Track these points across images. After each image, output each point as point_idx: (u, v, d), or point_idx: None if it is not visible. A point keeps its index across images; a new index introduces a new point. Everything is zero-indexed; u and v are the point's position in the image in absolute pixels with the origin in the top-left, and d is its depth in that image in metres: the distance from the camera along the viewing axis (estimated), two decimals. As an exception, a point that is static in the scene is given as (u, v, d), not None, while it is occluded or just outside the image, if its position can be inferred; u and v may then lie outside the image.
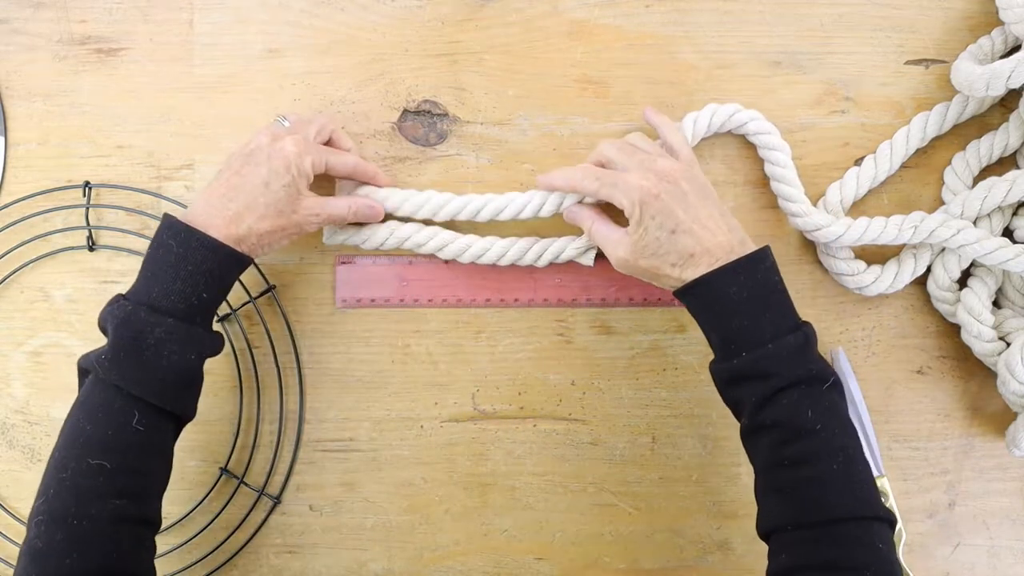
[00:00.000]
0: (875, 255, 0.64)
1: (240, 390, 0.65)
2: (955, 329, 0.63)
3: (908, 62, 0.64)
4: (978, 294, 0.60)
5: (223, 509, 0.64)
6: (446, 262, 0.64)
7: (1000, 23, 0.61)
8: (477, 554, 0.65)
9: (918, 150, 0.63)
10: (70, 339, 0.65)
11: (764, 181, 0.63)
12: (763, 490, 0.52)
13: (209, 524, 0.64)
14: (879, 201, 0.64)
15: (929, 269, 0.62)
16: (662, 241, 0.53)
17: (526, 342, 0.65)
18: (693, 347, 0.65)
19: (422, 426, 0.65)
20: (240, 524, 0.64)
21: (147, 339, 0.51)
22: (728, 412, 0.55)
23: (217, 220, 0.53)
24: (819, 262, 0.64)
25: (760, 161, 0.63)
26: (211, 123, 0.65)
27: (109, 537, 0.49)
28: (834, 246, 0.61)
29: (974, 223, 0.60)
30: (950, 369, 0.65)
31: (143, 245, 0.64)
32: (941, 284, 0.62)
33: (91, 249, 0.65)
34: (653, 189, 0.53)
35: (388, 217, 0.63)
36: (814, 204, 0.62)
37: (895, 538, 0.57)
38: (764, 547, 0.52)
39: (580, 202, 0.60)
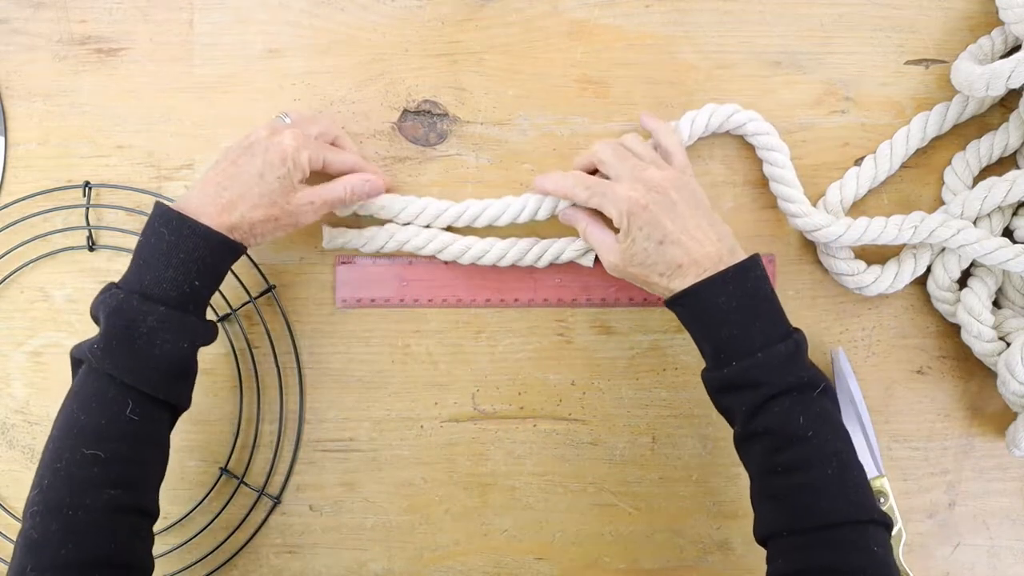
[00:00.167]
0: (875, 255, 0.64)
1: (240, 390, 0.65)
2: (955, 329, 0.63)
3: (908, 62, 0.64)
4: (978, 294, 0.60)
5: (223, 509, 0.64)
6: (446, 262, 0.64)
7: (1000, 23, 0.61)
8: (477, 554, 0.65)
9: (918, 150, 0.63)
10: (70, 339, 0.65)
11: (764, 181, 0.63)
12: (758, 497, 0.52)
13: (209, 524, 0.64)
14: (879, 201, 0.64)
15: (929, 269, 0.62)
16: (650, 251, 0.53)
17: (526, 342, 0.65)
18: (693, 347, 0.64)
19: (422, 426, 0.65)
20: (240, 524, 0.64)
21: (140, 327, 0.50)
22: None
23: (210, 208, 0.53)
24: (819, 262, 0.64)
25: (760, 161, 0.63)
26: (211, 123, 0.65)
27: (105, 527, 0.49)
28: (834, 246, 0.61)
29: (974, 223, 0.60)
30: (950, 369, 0.65)
31: (143, 245, 0.64)
32: (941, 284, 0.62)
33: (91, 249, 0.65)
34: (641, 200, 0.53)
35: (387, 221, 0.63)
36: (814, 204, 0.62)
37: (895, 538, 0.57)
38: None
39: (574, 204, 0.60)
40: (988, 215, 0.60)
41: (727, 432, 0.64)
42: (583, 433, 0.65)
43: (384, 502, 0.65)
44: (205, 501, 0.64)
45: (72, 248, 0.65)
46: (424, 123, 0.65)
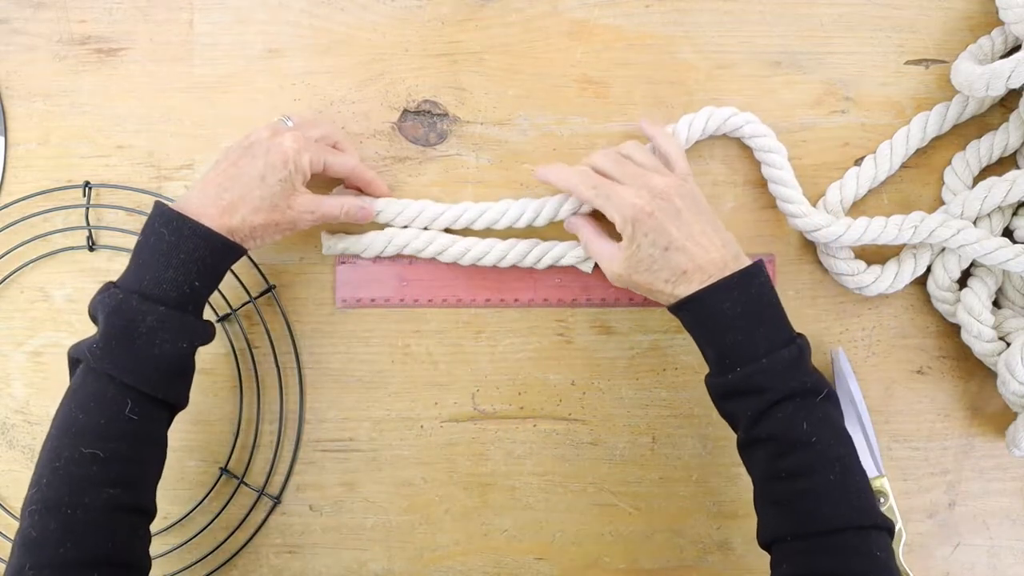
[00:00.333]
0: (875, 255, 0.64)
1: (240, 390, 0.65)
2: (955, 329, 0.63)
3: (908, 62, 0.64)
4: (978, 294, 0.60)
5: (223, 509, 0.64)
6: (446, 263, 0.64)
7: (1000, 23, 0.61)
8: (477, 554, 0.65)
9: (918, 150, 0.63)
10: (70, 339, 0.65)
11: (764, 181, 0.63)
12: (761, 502, 0.52)
13: (209, 524, 0.64)
14: (879, 201, 0.64)
15: (929, 269, 0.62)
16: (655, 258, 0.53)
17: (526, 342, 0.65)
18: (693, 347, 0.64)
19: (422, 426, 0.65)
20: (240, 524, 0.64)
21: (138, 327, 0.50)
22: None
23: (211, 209, 0.53)
24: (819, 262, 0.64)
25: (760, 161, 0.63)
26: (211, 123, 0.65)
27: (103, 526, 0.49)
28: (834, 246, 0.61)
29: (974, 223, 0.60)
30: (950, 369, 0.65)
31: (143, 245, 0.65)
32: (941, 284, 0.62)
33: (91, 249, 0.65)
34: (647, 207, 0.53)
35: (385, 224, 0.63)
36: (814, 204, 0.62)
37: (896, 539, 0.57)
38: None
39: (576, 212, 0.61)
40: (988, 215, 0.60)
41: (727, 432, 0.64)
42: (583, 433, 0.65)
43: (384, 502, 0.65)
44: (205, 501, 0.64)
45: (72, 248, 0.65)
46: (424, 123, 0.65)
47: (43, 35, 0.65)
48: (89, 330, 0.65)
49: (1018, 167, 0.62)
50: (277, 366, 0.65)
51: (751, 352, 0.51)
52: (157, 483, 0.54)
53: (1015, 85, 0.55)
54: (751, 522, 0.64)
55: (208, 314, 0.64)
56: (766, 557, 0.52)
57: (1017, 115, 0.61)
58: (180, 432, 0.65)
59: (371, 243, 0.62)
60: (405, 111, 0.64)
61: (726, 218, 0.64)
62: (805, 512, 0.49)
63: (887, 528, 0.49)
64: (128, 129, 0.65)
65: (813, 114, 0.64)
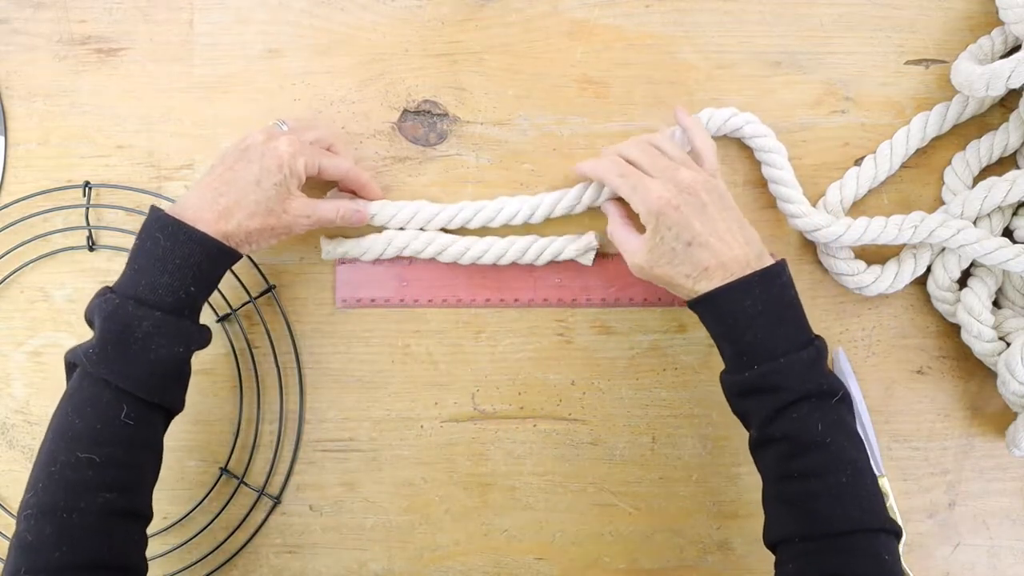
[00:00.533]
0: (875, 255, 0.64)
1: (240, 390, 0.65)
2: (955, 329, 0.63)
3: (908, 62, 0.64)
4: (978, 294, 0.60)
5: (223, 509, 0.64)
6: (446, 263, 0.64)
7: (1000, 23, 0.61)
8: (477, 554, 0.65)
9: (918, 150, 0.63)
10: (70, 339, 0.65)
11: (764, 181, 0.63)
12: (771, 501, 0.52)
13: (209, 524, 0.64)
14: (879, 201, 0.64)
15: (929, 269, 0.62)
16: (677, 252, 0.53)
17: (526, 342, 0.65)
18: (693, 347, 0.65)
19: (422, 426, 0.65)
20: (240, 524, 0.64)
21: (135, 333, 0.51)
22: (729, 412, 0.55)
23: (207, 214, 0.53)
24: (819, 262, 0.64)
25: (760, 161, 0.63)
26: (211, 123, 0.65)
27: (99, 530, 0.49)
28: (834, 246, 0.61)
29: (974, 223, 0.60)
30: (950, 369, 0.65)
31: (143, 245, 0.64)
32: (941, 284, 0.62)
33: (91, 249, 0.65)
34: (673, 200, 0.53)
35: (382, 227, 0.63)
36: (814, 204, 0.62)
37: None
38: (764, 546, 0.52)
39: (571, 211, 0.61)
40: (988, 215, 0.60)
41: (727, 432, 0.64)
42: (583, 433, 0.65)
43: (384, 502, 0.65)
44: (205, 501, 0.64)
45: (72, 248, 0.65)
46: (424, 123, 0.65)
47: (43, 35, 0.65)
48: (88, 331, 0.65)
49: (1018, 167, 0.62)
50: (277, 366, 0.65)
51: (769, 351, 0.51)
52: (153, 487, 0.54)
53: (1015, 85, 0.55)
54: (751, 522, 0.64)
55: (208, 314, 0.64)
56: (766, 557, 0.52)
57: (1017, 115, 0.61)
58: (180, 432, 0.65)
59: (370, 246, 0.62)
60: (405, 111, 0.64)
61: (726, 218, 0.64)
62: (815, 513, 0.49)
63: (895, 532, 0.49)
64: (128, 129, 0.65)
65: (813, 114, 0.64)
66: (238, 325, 0.64)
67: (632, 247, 0.56)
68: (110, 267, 0.65)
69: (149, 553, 0.65)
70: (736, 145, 0.64)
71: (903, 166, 0.63)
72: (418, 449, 0.65)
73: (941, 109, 0.62)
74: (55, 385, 0.65)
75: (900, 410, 0.65)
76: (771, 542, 0.51)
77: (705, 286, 0.53)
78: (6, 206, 0.65)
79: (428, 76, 0.64)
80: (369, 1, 0.64)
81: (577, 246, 0.62)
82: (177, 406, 0.55)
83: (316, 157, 0.57)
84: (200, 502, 0.64)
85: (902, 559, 0.59)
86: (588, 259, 0.63)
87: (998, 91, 0.56)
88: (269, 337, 0.64)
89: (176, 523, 0.65)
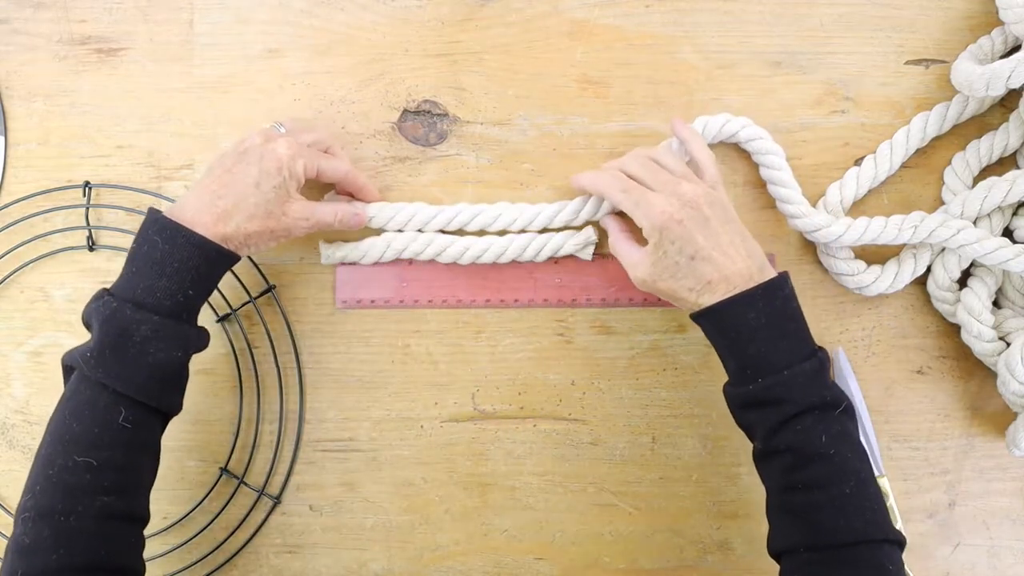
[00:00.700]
0: (875, 255, 0.64)
1: (240, 390, 0.65)
2: (955, 329, 0.63)
3: (908, 62, 0.64)
4: (978, 294, 0.60)
5: (223, 509, 0.64)
6: (445, 263, 0.64)
7: (1000, 23, 0.61)
8: (477, 554, 0.65)
9: (918, 150, 0.63)
10: (70, 339, 0.65)
11: (764, 181, 0.63)
12: (775, 511, 0.52)
13: (209, 524, 0.64)
14: (879, 201, 0.64)
15: (929, 269, 0.62)
16: (681, 266, 0.53)
17: (526, 342, 0.65)
18: (693, 347, 0.65)
19: (422, 426, 0.65)
20: (240, 524, 0.64)
21: (132, 336, 0.50)
22: (728, 412, 0.55)
23: (205, 217, 0.53)
24: (819, 262, 0.64)
25: (760, 161, 0.64)
26: (211, 123, 0.65)
27: (96, 533, 0.49)
28: (834, 246, 0.61)
29: (974, 223, 0.60)
30: (950, 369, 0.65)
31: (143, 245, 0.65)
32: (941, 284, 0.62)
33: (91, 249, 0.65)
34: (676, 215, 0.53)
35: (381, 229, 0.63)
36: (814, 204, 0.62)
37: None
38: (764, 546, 0.52)
39: (572, 221, 0.61)
40: (988, 215, 0.60)
41: (727, 432, 0.64)
42: (583, 433, 0.65)
43: (384, 502, 0.65)
44: (205, 501, 0.64)
45: (72, 248, 0.65)
46: (424, 123, 0.65)
47: (43, 35, 0.65)
48: (87, 332, 0.65)
49: (1018, 167, 0.62)
50: (277, 366, 0.64)
51: (773, 364, 0.51)
52: (150, 489, 0.54)
53: (1015, 85, 0.55)
54: (751, 522, 0.64)
55: (208, 314, 0.64)
56: (766, 557, 0.52)
57: (1017, 115, 0.61)
58: (180, 432, 0.65)
59: (369, 249, 0.63)
60: (405, 111, 0.64)
61: (726, 218, 0.64)
62: (820, 524, 0.49)
63: (899, 542, 0.49)
64: (128, 129, 0.65)
65: (813, 114, 0.64)
66: (238, 325, 0.64)
67: (634, 260, 0.56)
68: (110, 267, 0.65)
69: (149, 553, 0.65)
70: (734, 146, 0.64)
71: (903, 166, 0.63)
72: (418, 449, 0.65)
73: (941, 109, 0.62)
74: (55, 385, 0.65)
75: (900, 410, 0.65)
76: (775, 552, 0.52)
77: (708, 299, 0.53)
78: (6, 206, 0.65)
79: (428, 76, 0.64)
80: (369, 1, 0.64)
81: (576, 241, 0.62)
82: (175, 409, 0.55)
83: (315, 159, 0.57)
84: (200, 502, 0.64)
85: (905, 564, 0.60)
86: (587, 254, 0.63)
87: (998, 91, 0.56)
88: (269, 337, 0.64)
89: (176, 523, 0.65)
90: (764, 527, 0.53)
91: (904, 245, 0.62)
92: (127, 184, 0.65)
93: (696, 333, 0.64)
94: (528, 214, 0.62)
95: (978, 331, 0.60)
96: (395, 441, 0.65)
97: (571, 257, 0.64)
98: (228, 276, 0.64)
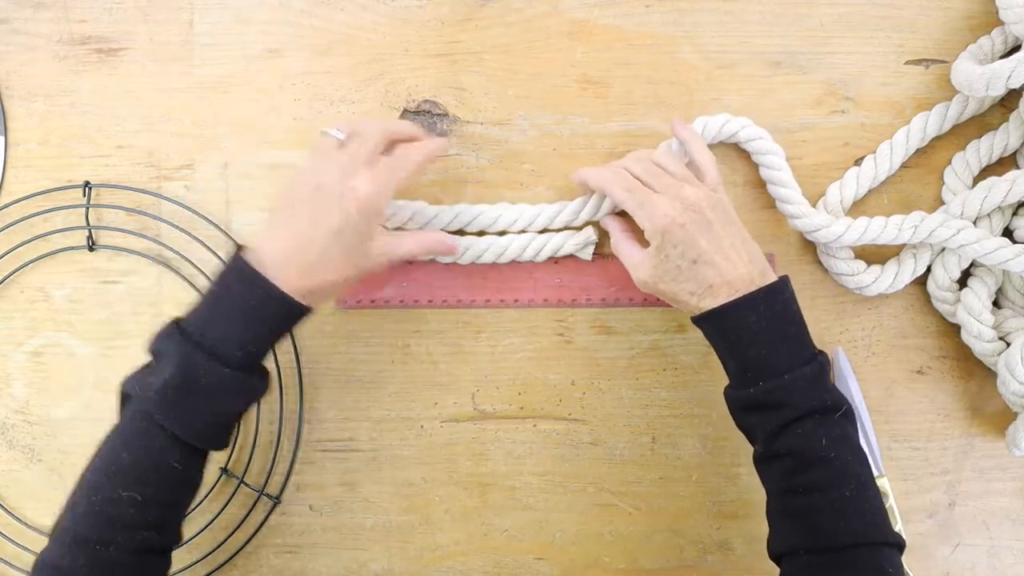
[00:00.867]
0: (875, 255, 0.64)
1: (240, 390, 0.65)
2: (955, 329, 0.63)
3: (908, 62, 0.64)
4: (978, 294, 0.60)
5: (223, 509, 0.64)
6: (445, 263, 0.64)
7: (1000, 23, 0.61)
8: (477, 554, 0.65)
9: (918, 150, 0.63)
10: (70, 339, 0.65)
11: (764, 181, 0.63)
12: (776, 514, 0.52)
13: (209, 524, 0.64)
14: (879, 201, 0.64)
15: (929, 269, 0.62)
16: (682, 269, 0.53)
17: (526, 342, 0.65)
18: (693, 347, 0.65)
19: (422, 426, 0.65)
20: (240, 524, 0.64)
21: (199, 383, 0.50)
22: (728, 412, 0.55)
23: (290, 271, 0.51)
24: (819, 262, 0.64)
25: (760, 161, 0.64)
26: (211, 123, 0.65)
27: (132, 566, 0.49)
28: (834, 246, 0.61)
29: (974, 223, 0.60)
30: (950, 369, 0.65)
31: (143, 245, 0.64)
32: (941, 284, 0.62)
33: (91, 249, 0.65)
34: (679, 218, 0.52)
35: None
36: (814, 204, 0.62)
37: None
38: (764, 546, 0.52)
39: (572, 222, 0.61)
40: (988, 215, 0.60)
41: (727, 432, 0.64)
42: (583, 433, 0.65)
43: (384, 502, 0.65)
44: (205, 501, 0.64)
45: (72, 248, 0.65)
46: (424, 123, 0.64)
47: (43, 35, 0.65)
48: (90, 329, 0.65)
49: (1018, 167, 0.62)
50: (277, 366, 0.64)
51: (773, 368, 0.51)
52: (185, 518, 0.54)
53: (1015, 85, 0.55)
54: (751, 522, 0.64)
55: (208, 314, 0.64)
56: (767, 558, 0.52)
57: (1017, 115, 0.61)
58: (180, 432, 0.65)
59: None
60: (405, 111, 0.65)
61: (726, 218, 0.64)
62: (820, 527, 0.49)
63: (898, 545, 0.49)
64: (128, 129, 0.65)
65: (813, 114, 0.64)
66: (238, 325, 0.64)
67: (636, 261, 0.56)
68: (110, 267, 0.65)
69: (149, 553, 0.65)
70: (734, 146, 0.64)
71: (903, 166, 0.63)
72: (418, 449, 0.65)
73: (941, 109, 0.62)
74: (55, 385, 0.65)
75: (900, 410, 0.65)
76: (776, 554, 0.52)
77: (710, 303, 0.53)
78: (6, 206, 0.65)
79: (428, 76, 0.64)
80: (369, 1, 0.64)
81: (576, 241, 0.62)
82: (223, 448, 0.54)
83: (393, 177, 0.53)
84: (200, 502, 0.64)
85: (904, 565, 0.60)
86: (587, 253, 0.63)
87: (998, 91, 0.56)
88: (269, 337, 0.64)
89: (176, 523, 0.65)
90: (764, 527, 0.53)
91: (904, 245, 0.62)
92: (127, 184, 0.65)
93: (696, 333, 0.64)
94: (528, 215, 0.62)
95: (978, 331, 0.60)
96: (395, 441, 0.65)
97: (571, 257, 0.64)
98: (228, 276, 0.64)
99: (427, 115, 0.64)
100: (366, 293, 0.64)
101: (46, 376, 0.66)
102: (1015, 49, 0.61)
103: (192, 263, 0.64)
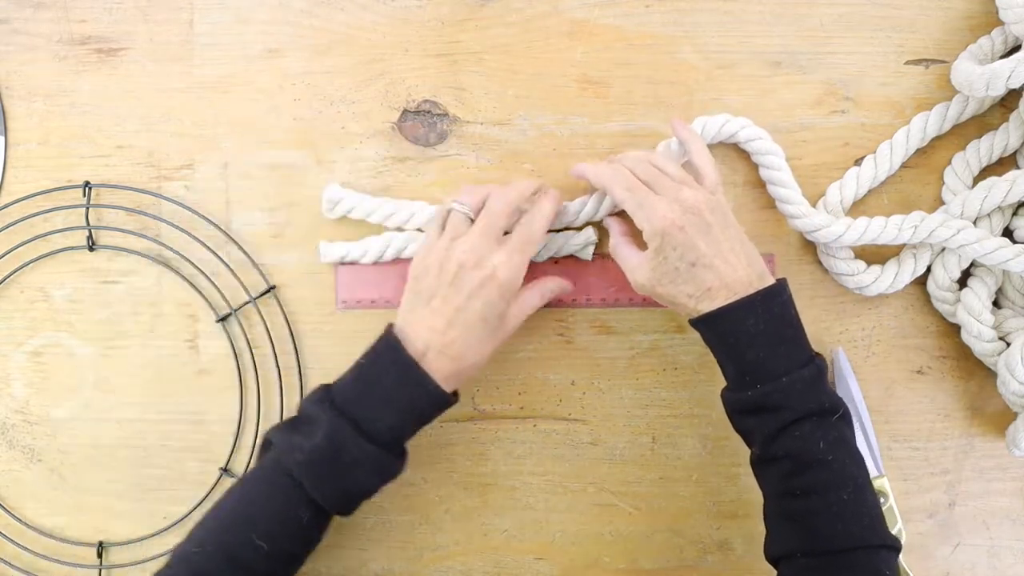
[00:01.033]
0: (875, 255, 0.64)
1: (240, 390, 0.65)
2: (955, 329, 0.63)
3: (908, 62, 0.64)
4: (978, 294, 0.60)
5: (223, 509, 0.64)
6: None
7: (1000, 23, 0.61)
8: (477, 554, 0.65)
9: (918, 150, 0.63)
10: (70, 339, 0.65)
11: (764, 182, 0.63)
12: (773, 517, 0.52)
13: (209, 524, 0.64)
14: (879, 201, 0.64)
15: (929, 269, 0.62)
16: (681, 272, 0.53)
17: (526, 342, 0.65)
18: (693, 347, 0.65)
19: (422, 426, 0.65)
20: (240, 524, 0.64)
21: (344, 457, 0.51)
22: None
23: (443, 363, 0.53)
24: (819, 262, 0.64)
25: (760, 161, 0.63)
26: (211, 123, 0.65)
27: None
28: (834, 246, 0.61)
29: (974, 223, 0.60)
30: (950, 369, 0.65)
31: (143, 245, 0.65)
32: (941, 284, 0.62)
33: (91, 249, 0.65)
34: (678, 221, 0.52)
35: (381, 228, 0.63)
36: (814, 204, 0.62)
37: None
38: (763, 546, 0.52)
39: (570, 225, 0.62)
40: (988, 215, 0.60)
41: (727, 432, 0.64)
42: (583, 433, 0.65)
43: (384, 502, 0.65)
44: (205, 501, 0.64)
45: (72, 248, 0.65)
46: (424, 123, 0.65)
47: (43, 35, 0.65)
48: (90, 329, 0.65)
49: (1018, 167, 0.62)
50: (277, 366, 0.65)
51: (771, 370, 0.51)
52: None
53: (1015, 85, 0.55)
54: (751, 522, 0.64)
55: (208, 314, 0.64)
56: (766, 556, 0.52)
57: (1017, 115, 0.61)
58: (180, 432, 0.65)
59: (369, 248, 0.62)
60: (405, 111, 0.65)
61: (726, 218, 0.64)
62: (817, 530, 0.49)
63: (896, 547, 0.50)
64: (128, 129, 0.65)
65: (813, 114, 0.64)
66: (238, 325, 0.64)
67: (634, 264, 0.56)
68: (110, 267, 0.65)
69: (149, 553, 0.65)
70: (734, 146, 0.64)
71: (903, 166, 0.63)
72: (418, 449, 0.65)
73: (941, 109, 0.62)
74: (55, 385, 0.65)
75: (900, 410, 0.65)
76: (773, 557, 0.52)
77: (708, 306, 0.53)
78: (6, 206, 0.65)
79: (428, 76, 0.64)
80: (369, 1, 0.64)
81: (576, 241, 0.62)
82: (349, 516, 0.55)
83: (527, 254, 0.55)
84: (200, 502, 0.64)
85: (900, 558, 0.60)
86: (587, 253, 0.63)
87: (998, 91, 0.56)
88: (269, 337, 0.64)
89: (176, 523, 0.65)
90: (764, 528, 0.53)
91: (904, 245, 0.62)
92: (127, 184, 0.65)
93: (696, 334, 0.64)
94: None
95: (978, 331, 0.60)
96: (395, 441, 0.65)
97: (571, 257, 0.64)
98: (229, 276, 0.64)
99: (427, 115, 0.64)
100: (367, 293, 0.64)
101: (46, 376, 0.66)
102: (1015, 49, 0.61)
103: (192, 263, 0.64)
